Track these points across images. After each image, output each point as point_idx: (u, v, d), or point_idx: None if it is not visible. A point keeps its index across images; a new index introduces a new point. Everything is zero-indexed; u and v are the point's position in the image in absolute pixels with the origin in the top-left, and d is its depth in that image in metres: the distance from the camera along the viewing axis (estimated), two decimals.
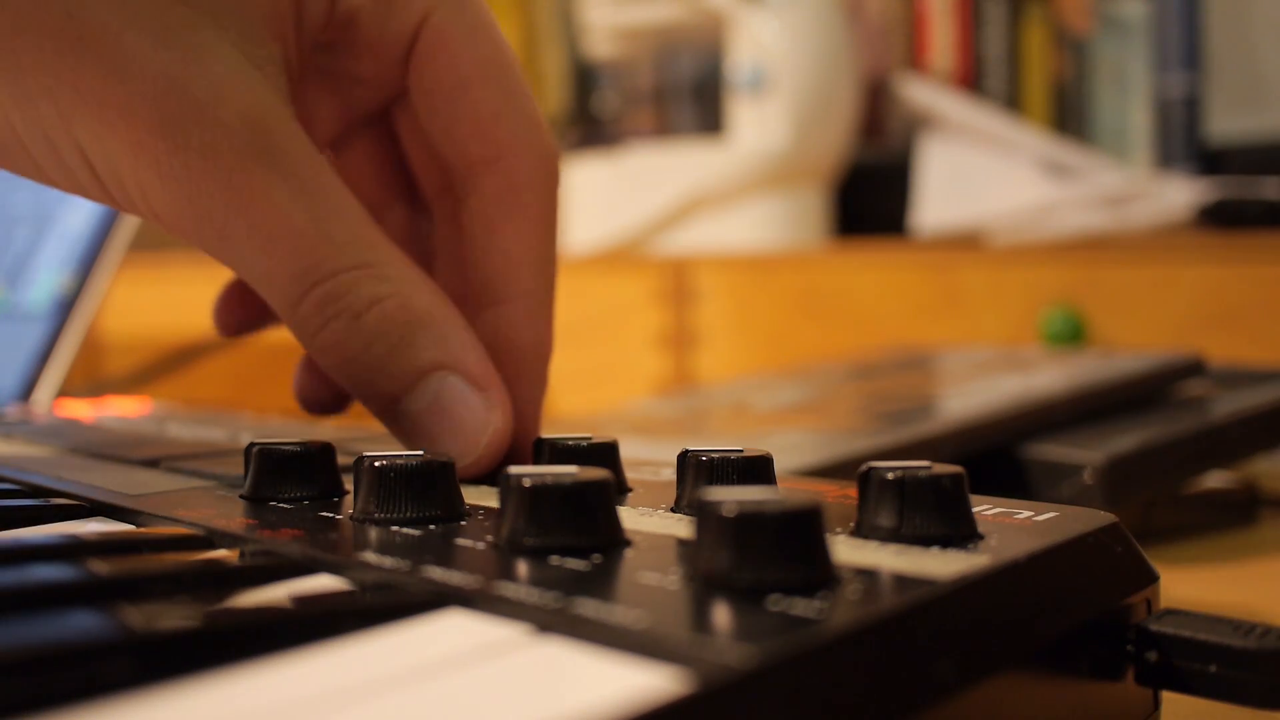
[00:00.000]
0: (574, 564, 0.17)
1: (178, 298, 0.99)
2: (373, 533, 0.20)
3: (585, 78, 1.24)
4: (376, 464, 0.21)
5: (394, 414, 0.26)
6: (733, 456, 0.22)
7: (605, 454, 0.24)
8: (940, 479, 0.19)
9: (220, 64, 0.23)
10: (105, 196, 0.24)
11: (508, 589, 0.16)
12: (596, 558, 0.17)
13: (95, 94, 0.22)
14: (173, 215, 0.23)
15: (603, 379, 0.92)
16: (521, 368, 0.28)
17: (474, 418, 0.25)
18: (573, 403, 0.90)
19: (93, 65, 0.22)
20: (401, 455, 0.21)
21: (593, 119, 1.20)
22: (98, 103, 0.22)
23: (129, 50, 0.22)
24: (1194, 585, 0.35)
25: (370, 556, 0.18)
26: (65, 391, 0.60)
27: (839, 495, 0.23)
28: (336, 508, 0.22)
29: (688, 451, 0.22)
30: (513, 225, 0.28)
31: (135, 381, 0.75)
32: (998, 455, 0.40)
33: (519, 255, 0.28)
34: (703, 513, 0.16)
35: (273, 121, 0.23)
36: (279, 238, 0.23)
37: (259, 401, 0.93)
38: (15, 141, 0.24)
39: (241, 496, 0.23)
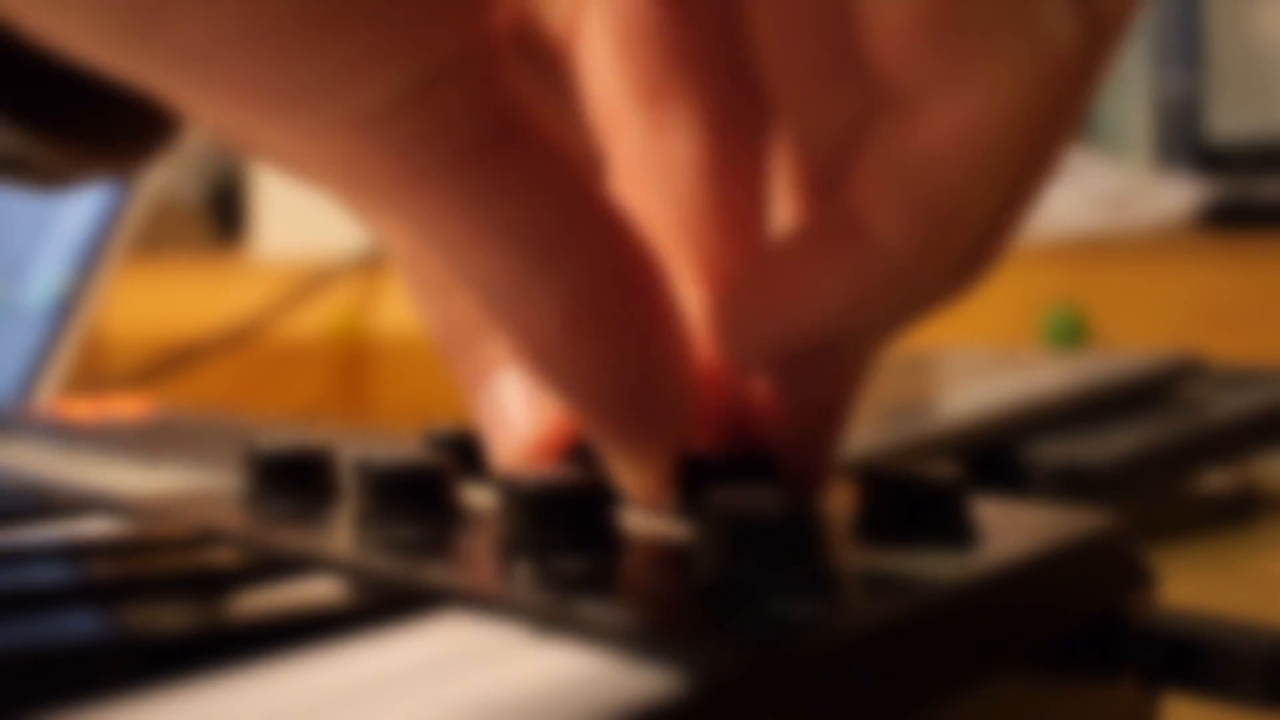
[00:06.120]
0: (573, 565, 0.17)
1: (178, 298, 0.99)
2: (372, 534, 0.20)
3: None
4: (375, 465, 0.21)
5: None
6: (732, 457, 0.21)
7: None
8: (940, 480, 0.19)
9: None
10: None
11: (506, 590, 0.16)
12: (596, 558, 0.17)
13: None
14: None
15: None
16: None
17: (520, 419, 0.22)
18: None
19: None
20: (400, 457, 0.21)
21: None
22: None
23: None
24: (1194, 585, 0.35)
25: (369, 558, 0.18)
26: (65, 391, 0.60)
27: (839, 495, 0.23)
28: (336, 509, 0.22)
29: (687, 452, 0.22)
30: None
31: (135, 381, 0.75)
32: (998, 455, 0.40)
33: None
34: (701, 514, 0.16)
35: None
36: None
37: (259, 401, 0.93)
38: None
39: (241, 498, 0.23)
